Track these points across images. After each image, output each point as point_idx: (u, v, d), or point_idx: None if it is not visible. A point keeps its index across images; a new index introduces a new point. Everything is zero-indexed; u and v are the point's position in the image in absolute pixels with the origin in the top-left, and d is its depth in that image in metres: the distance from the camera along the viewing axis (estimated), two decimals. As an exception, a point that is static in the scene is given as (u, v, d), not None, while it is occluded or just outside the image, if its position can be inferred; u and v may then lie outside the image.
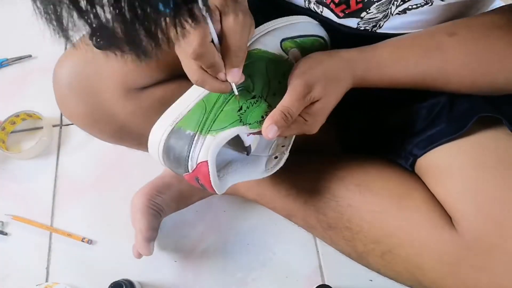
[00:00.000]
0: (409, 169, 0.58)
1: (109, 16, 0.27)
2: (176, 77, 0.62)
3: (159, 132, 0.52)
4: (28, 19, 1.08)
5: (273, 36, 0.56)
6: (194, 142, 0.50)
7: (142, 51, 0.30)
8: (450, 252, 0.49)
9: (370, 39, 0.60)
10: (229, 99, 0.52)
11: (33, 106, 0.96)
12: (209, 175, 0.49)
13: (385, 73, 0.54)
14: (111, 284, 0.72)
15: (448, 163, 0.53)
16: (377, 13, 0.55)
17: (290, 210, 0.67)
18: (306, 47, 0.58)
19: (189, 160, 0.50)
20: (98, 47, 0.64)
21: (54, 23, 0.27)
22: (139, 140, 0.66)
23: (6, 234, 0.86)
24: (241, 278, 0.78)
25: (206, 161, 0.49)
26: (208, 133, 0.50)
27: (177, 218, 0.81)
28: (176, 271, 0.80)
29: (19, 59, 1.07)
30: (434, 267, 0.51)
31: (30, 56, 1.07)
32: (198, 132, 0.50)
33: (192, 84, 0.52)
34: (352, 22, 0.58)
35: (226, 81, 0.48)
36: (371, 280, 0.73)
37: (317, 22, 0.60)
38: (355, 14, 0.56)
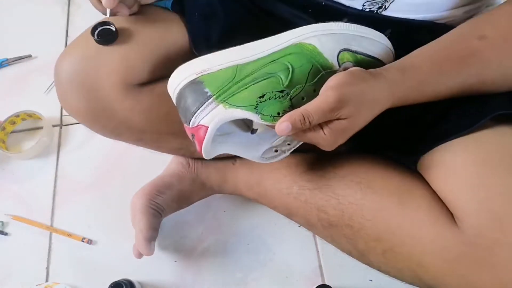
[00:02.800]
0: (412, 167, 0.58)
1: None
2: None
3: (182, 75, 0.52)
4: (28, 19, 1.08)
5: (335, 41, 0.54)
6: (207, 103, 0.50)
7: None
8: (451, 249, 0.49)
9: (378, 24, 0.59)
10: (259, 81, 0.51)
11: (33, 106, 0.96)
12: (203, 140, 0.50)
13: (426, 89, 0.52)
14: (111, 284, 0.72)
15: (451, 160, 0.52)
16: None
17: (291, 209, 0.67)
18: (362, 66, 0.55)
19: (194, 116, 0.50)
20: (99, 42, 0.64)
21: None
22: (139, 136, 0.66)
23: (6, 234, 0.86)
24: (241, 278, 0.78)
25: (207, 127, 0.49)
26: (222, 102, 0.50)
27: (177, 218, 0.81)
28: (176, 271, 0.80)
29: (19, 59, 1.07)
30: (435, 264, 0.51)
31: (30, 56, 1.07)
32: (215, 96, 0.50)
33: None
34: (357, 4, 0.58)
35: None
36: (371, 280, 0.73)
37: (387, 42, 0.57)
38: None
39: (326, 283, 0.74)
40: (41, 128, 0.95)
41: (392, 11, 0.58)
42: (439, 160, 0.54)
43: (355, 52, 0.55)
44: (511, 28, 0.52)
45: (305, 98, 0.52)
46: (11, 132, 0.97)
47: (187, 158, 0.77)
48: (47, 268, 0.82)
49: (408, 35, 0.55)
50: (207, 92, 0.50)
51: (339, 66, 0.54)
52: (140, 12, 0.64)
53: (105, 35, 0.60)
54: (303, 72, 0.52)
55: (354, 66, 0.54)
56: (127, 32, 0.61)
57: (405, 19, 0.59)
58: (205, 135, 0.49)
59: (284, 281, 0.77)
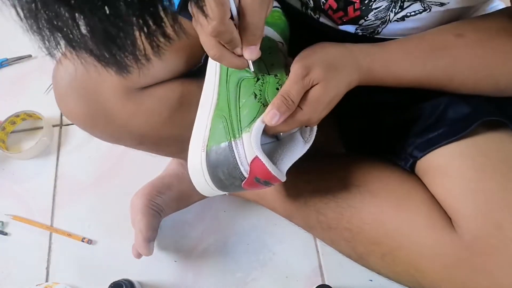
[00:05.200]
0: (409, 170, 0.58)
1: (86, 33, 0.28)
2: (176, 77, 0.62)
3: (196, 164, 0.50)
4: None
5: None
6: (235, 148, 0.48)
7: (123, 67, 0.31)
8: (449, 254, 0.49)
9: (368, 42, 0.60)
10: (239, 96, 0.51)
11: (33, 106, 0.96)
12: (266, 167, 0.47)
13: (391, 68, 0.53)
14: (111, 284, 0.72)
15: (448, 164, 0.52)
16: (375, 20, 0.55)
17: (290, 211, 0.67)
18: (270, 21, 0.57)
19: (240, 166, 0.48)
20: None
21: (41, 40, 0.28)
22: (139, 140, 0.66)
23: (6, 234, 0.86)
24: (241, 278, 0.78)
25: (256, 156, 0.47)
26: (241, 132, 0.49)
27: (177, 218, 0.81)
28: (176, 271, 0.80)
29: (19, 59, 1.07)
30: (433, 269, 0.51)
31: (30, 56, 1.07)
32: (232, 139, 0.49)
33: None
34: (350, 28, 0.58)
35: (242, 56, 0.48)
36: (371, 280, 0.73)
37: None
38: (353, 21, 0.56)
39: (326, 283, 0.74)
40: (41, 128, 0.95)
41: (384, 35, 0.58)
42: (436, 165, 0.54)
43: None
44: (489, 36, 0.52)
45: (273, 63, 0.53)
46: (11, 132, 0.97)
47: (187, 159, 0.77)
48: (47, 268, 0.82)
49: None
50: (225, 145, 0.49)
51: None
52: None
53: None
54: None
55: (266, 25, 0.56)
56: None
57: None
58: (262, 162, 0.47)
59: (284, 281, 0.77)
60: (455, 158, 0.52)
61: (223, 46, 0.46)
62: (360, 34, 0.58)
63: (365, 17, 0.55)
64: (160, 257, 0.81)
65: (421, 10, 0.53)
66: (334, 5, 0.55)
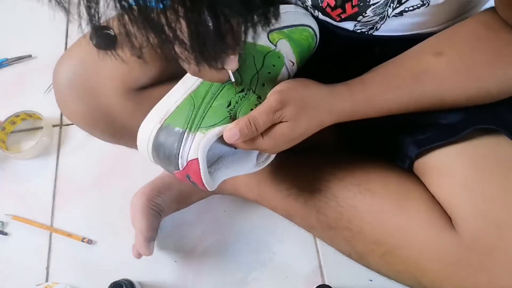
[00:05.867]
0: (408, 170, 0.58)
1: None
2: (175, 77, 0.62)
3: (147, 130, 0.51)
4: (28, 19, 1.08)
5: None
6: (184, 139, 0.49)
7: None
8: (449, 253, 0.49)
9: (367, 43, 0.60)
10: (218, 94, 0.52)
11: (33, 106, 0.96)
12: (200, 172, 0.49)
13: (376, 105, 0.53)
14: (111, 284, 0.72)
15: (447, 164, 0.52)
16: (374, 15, 0.55)
17: (290, 210, 0.67)
18: (295, 37, 0.57)
19: (179, 158, 0.49)
20: (98, 46, 0.63)
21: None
22: None
23: (6, 234, 0.86)
24: (241, 278, 0.78)
25: (197, 159, 0.48)
26: (197, 130, 0.49)
27: (177, 218, 0.81)
28: (176, 271, 0.80)
29: (19, 59, 1.07)
30: (433, 268, 0.51)
31: (30, 56, 1.07)
32: (187, 130, 0.50)
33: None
34: (348, 25, 0.58)
35: (222, 68, 0.48)
36: (371, 280, 0.73)
37: (305, 11, 0.59)
38: (352, 17, 0.56)
39: (326, 283, 0.74)
40: (41, 128, 0.95)
41: (383, 31, 0.58)
42: (435, 165, 0.54)
43: (280, 28, 0.56)
44: (469, 48, 0.51)
45: (265, 84, 0.53)
46: (11, 132, 0.97)
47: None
48: (47, 268, 0.82)
49: (397, 49, 0.55)
50: (178, 131, 0.50)
51: (275, 45, 0.56)
52: None
53: (104, 39, 0.60)
54: (249, 65, 0.53)
55: (287, 40, 0.56)
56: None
57: (395, 35, 0.59)
58: (199, 166, 0.48)
59: (284, 281, 0.77)
60: (454, 158, 0.52)
61: None
62: (359, 31, 0.58)
63: (363, 13, 0.55)
64: (160, 257, 0.81)
65: (419, 5, 0.53)
66: (332, 2, 0.55)
